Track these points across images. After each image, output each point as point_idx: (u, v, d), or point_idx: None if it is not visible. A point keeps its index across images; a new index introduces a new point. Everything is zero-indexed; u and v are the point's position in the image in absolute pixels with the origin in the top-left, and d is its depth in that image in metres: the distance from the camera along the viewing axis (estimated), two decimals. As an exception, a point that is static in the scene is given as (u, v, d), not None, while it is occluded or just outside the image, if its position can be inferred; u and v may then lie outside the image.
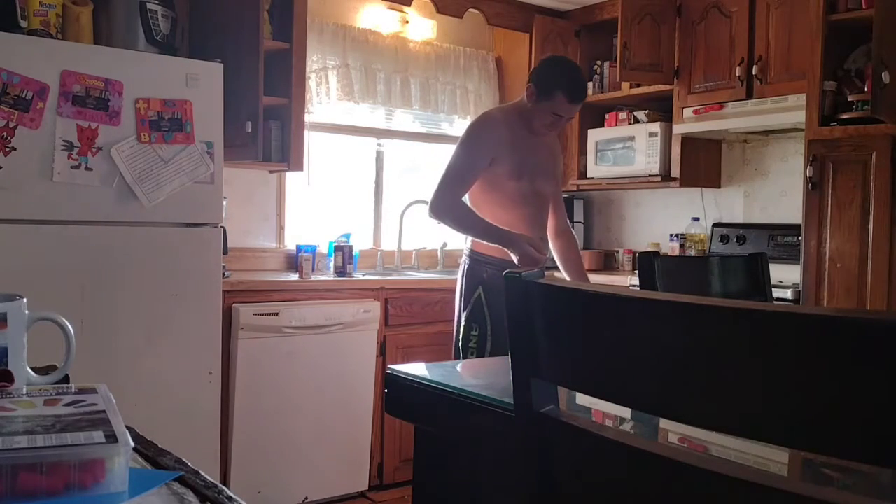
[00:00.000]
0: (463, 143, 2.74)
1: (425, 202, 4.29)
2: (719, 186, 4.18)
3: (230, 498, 0.68)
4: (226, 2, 3.43)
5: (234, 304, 3.12)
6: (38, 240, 2.60)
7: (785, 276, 3.38)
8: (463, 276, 2.83)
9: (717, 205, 4.19)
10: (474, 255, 2.79)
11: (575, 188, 4.58)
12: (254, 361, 3.15)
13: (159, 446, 0.81)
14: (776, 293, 2.91)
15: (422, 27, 4.33)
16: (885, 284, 2.90)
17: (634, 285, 3.67)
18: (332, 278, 3.57)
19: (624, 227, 4.70)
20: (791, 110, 3.40)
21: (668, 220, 4.41)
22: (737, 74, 3.66)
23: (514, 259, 2.67)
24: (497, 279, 2.68)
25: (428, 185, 4.63)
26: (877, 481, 0.98)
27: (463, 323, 2.74)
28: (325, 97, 3.97)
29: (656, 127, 4.08)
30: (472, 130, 2.77)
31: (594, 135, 4.41)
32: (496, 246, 2.70)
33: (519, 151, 2.74)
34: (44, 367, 1.00)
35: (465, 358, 2.69)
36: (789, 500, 0.62)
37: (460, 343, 2.75)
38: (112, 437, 0.68)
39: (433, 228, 4.35)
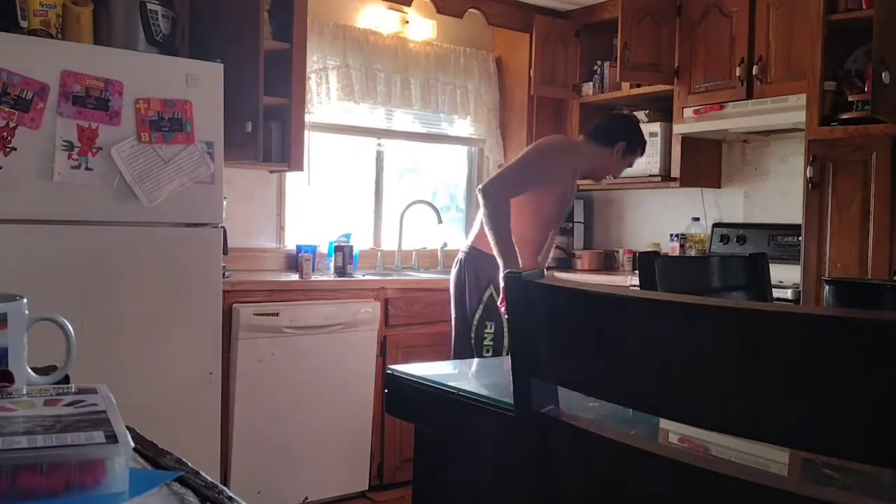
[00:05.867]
0: (540, 152, 2.93)
1: (425, 202, 4.32)
2: (719, 186, 4.18)
3: (230, 498, 0.68)
4: (226, 2, 3.43)
5: (234, 304, 3.12)
6: (38, 240, 2.60)
7: (785, 276, 3.38)
8: (465, 274, 2.85)
9: (718, 205, 4.19)
10: (481, 254, 2.81)
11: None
12: (254, 361, 3.15)
13: (159, 446, 0.81)
14: (776, 293, 2.91)
15: (422, 27, 4.33)
16: (885, 284, 2.90)
17: (634, 285, 3.66)
18: (332, 278, 3.57)
19: (624, 227, 4.70)
20: (791, 110, 3.40)
21: (668, 220, 4.41)
22: (737, 74, 3.65)
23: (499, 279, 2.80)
24: None
25: (428, 186, 4.65)
26: (877, 481, 0.98)
27: (476, 322, 2.77)
28: (325, 97, 3.97)
29: (656, 127, 4.08)
30: (555, 147, 2.99)
31: (594, 135, 4.41)
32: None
33: (574, 186, 3.03)
34: (44, 367, 1.00)
35: (479, 355, 2.72)
36: (789, 500, 0.62)
37: (473, 341, 2.78)
38: (112, 438, 0.68)
39: (433, 228, 4.36)
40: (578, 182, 4.45)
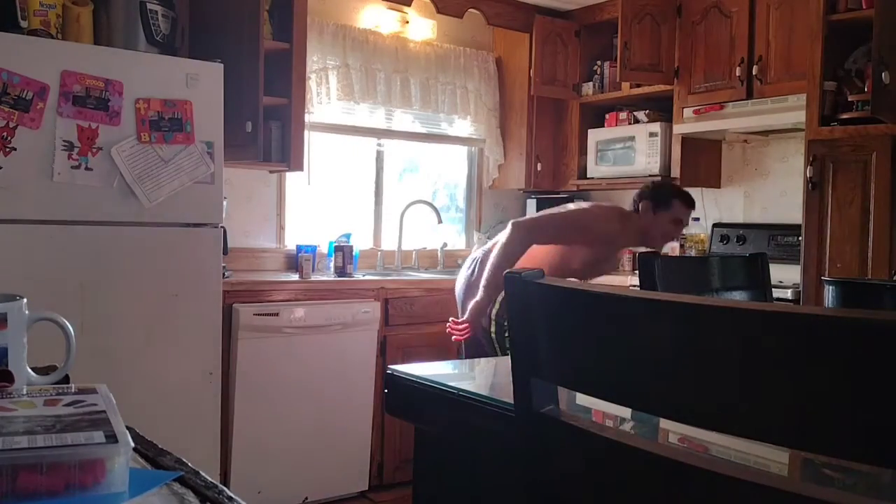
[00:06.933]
0: (582, 215, 2.92)
1: (425, 202, 4.33)
2: (719, 186, 4.18)
3: (230, 498, 0.68)
4: (226, 2, 3.43)
5: (234, 304, 3.12)
6: (38, 240, 2.60)
7: (785, 276, 3.38)
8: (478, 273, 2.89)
9: (718, 205, 4.19)
10: None
11: (575, 188, 4.58)
12: (254, 361, 3.15)
13: (159, 446, 0.81)
14: (776, 293, 2.91)
15: (422, 27, 4.33)
16: (885, 284, 2.90)
17: (634, 285, 3.66)
18: (332, 278, 3.57)
19: (624, 227, 4.70)
20: (791, 110, 3.40)
21: (668, 220, 4.40)
22: (737, 74, 3.66)
23: (468, 307, 2.85)
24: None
25: (428, 186, 4.65)
26: (877, 481, 0.98)
27: (494, 321, 2.79)
28: (325, 97, 3.97)
29: (656, 127, 4.08)
30: (598, 215, 2.93)
31: (594, 135, 4.41)
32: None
33: (613, 257, 3.06)
34: (44, 367, 1.00)
35: (503, 353, 2.74)
36: (789, 500, 0.62)
37: (494, 337, 2.79)
38: (112, 438, 0.68)
39: (433, 228, 4.36)
40: (579, 182, 4.49)
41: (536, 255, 2.88)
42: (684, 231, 4.12)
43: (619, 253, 3.09)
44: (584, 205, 3.16)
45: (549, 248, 2.91)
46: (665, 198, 2.92)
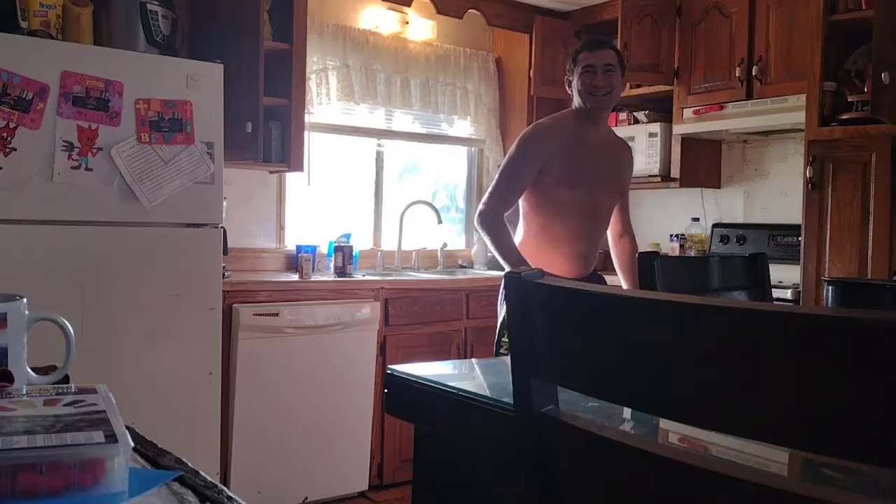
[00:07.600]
0: (510, 154, 2.71)
1: (425, 202, 4.32)
2: (719, 187, 4.18)
3: (230, 498, 0.68)
4: (226, 2, 3.43)
5: (234, 305, 3.12)
6: (38, 240, 2.60)
7: (785, 276, 3.38)
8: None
9: (717, 205, 4.19)
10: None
11: (575, 188, 4.58)
12: (254, 361, 3.15)
13: (159, 446, 0.81)
14: (776, 293, 2.91)
15: (422, 28, 4.33)
16: (885, 285, 2.90)
17: (634, 285, 3.66)
18: (332, 278, 3.57)
19: (624, 228, 4.70)
20: (791, 110, 3.40)
21: (668, 220, 4.41)
22: (737, 75, 3.66)
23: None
24: None
25: (428, 186, 4.65)
26: (877, 481, 0.98)
27: (497, 327, 2.76)
28: (325, 98, 3.97)
29: (656, 127, 4.08)
30: (520, 140, 2.73)
31: (594, 135, 4.41)
32: (537, 255, 2.72)
33: (574, 159, 2.70)
34: (44, 367, 1.00)
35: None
36: (789, 500, 0.62)
37: (494, 346, 2.78)
38: (112, 437, 0.68)
39: (433, 229, 4.36)
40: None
41: (530, 231, 2.74)
42: (685, 231, 4.13)
43: (602, 162, 2.77)
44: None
45: (536, 211, 2.72)
46: (571, 61, 2.75)
